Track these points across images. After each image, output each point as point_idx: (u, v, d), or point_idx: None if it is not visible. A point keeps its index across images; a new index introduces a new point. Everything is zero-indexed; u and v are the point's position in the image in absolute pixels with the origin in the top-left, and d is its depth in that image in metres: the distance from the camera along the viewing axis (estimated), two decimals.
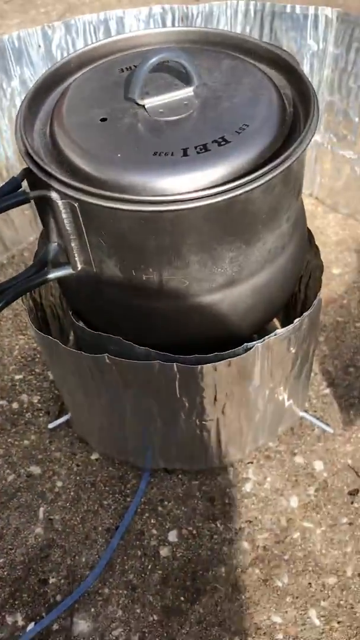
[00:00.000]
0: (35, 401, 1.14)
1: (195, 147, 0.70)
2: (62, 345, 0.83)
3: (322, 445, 1.05)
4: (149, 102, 0.75)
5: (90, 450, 1.06)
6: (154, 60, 0.73)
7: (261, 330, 0.92)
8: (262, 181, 0.68)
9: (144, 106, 0.75)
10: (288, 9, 1.19)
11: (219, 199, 0.67)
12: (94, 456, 1.06)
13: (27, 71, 1.20)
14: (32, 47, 1.19)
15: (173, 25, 1.22)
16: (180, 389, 0.84)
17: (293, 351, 0.88)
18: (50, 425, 1.09)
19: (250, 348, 0.81)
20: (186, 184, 0.69)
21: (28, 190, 0.72)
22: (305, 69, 1.24)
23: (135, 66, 0.82)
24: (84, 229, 0.73)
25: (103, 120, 0.75)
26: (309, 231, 0.94)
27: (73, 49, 1.21)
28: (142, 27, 1.21)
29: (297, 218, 0.83)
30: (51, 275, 0.80)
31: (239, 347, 0.81)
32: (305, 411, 1.07)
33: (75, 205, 0.70)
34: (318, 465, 1.03)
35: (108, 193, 0.67)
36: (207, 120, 0.73)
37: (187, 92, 0.77)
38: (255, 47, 0.84)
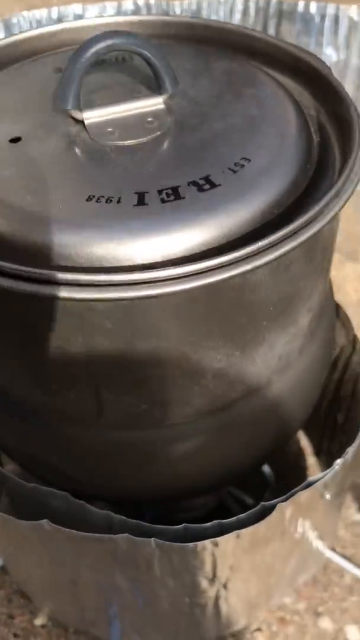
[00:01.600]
0: None
1: (160, 192, 0.42)
2: None
3: (356, 601, 0.74)
4: (92, 115, 0.47)
5: (34, 611, 0.74)
6: (98, 47, 0.44)
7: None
8: (271, 256, 0.39)
9: (82, 122, 0.47)
10: (300, 8, 0.92)
11: (195, 284, 0.38)
12: (39, 621, 0.73)
13: None
14: None
15: None
16: (161, 569, 0.54)
17: (328, 497, 0.59)
18: None
19: (269, 510, 0.51)
20: (140, 252, 0.40)
21: None
22: None
23: None
24: None
25: (15, 140, 0.46)
26: (338, 306, 0.65)
27: None
28: None
29: (323, 306, 0.53)
30: None
31: (252, 511, 0.51)
32: (333, 549, 0.77)
33: None
34: (352, 632, 0.72)
35: None
36: (182, 149, 0.45)
37: (155, 103, 0.48)
38: (267, 48, 0.55)
